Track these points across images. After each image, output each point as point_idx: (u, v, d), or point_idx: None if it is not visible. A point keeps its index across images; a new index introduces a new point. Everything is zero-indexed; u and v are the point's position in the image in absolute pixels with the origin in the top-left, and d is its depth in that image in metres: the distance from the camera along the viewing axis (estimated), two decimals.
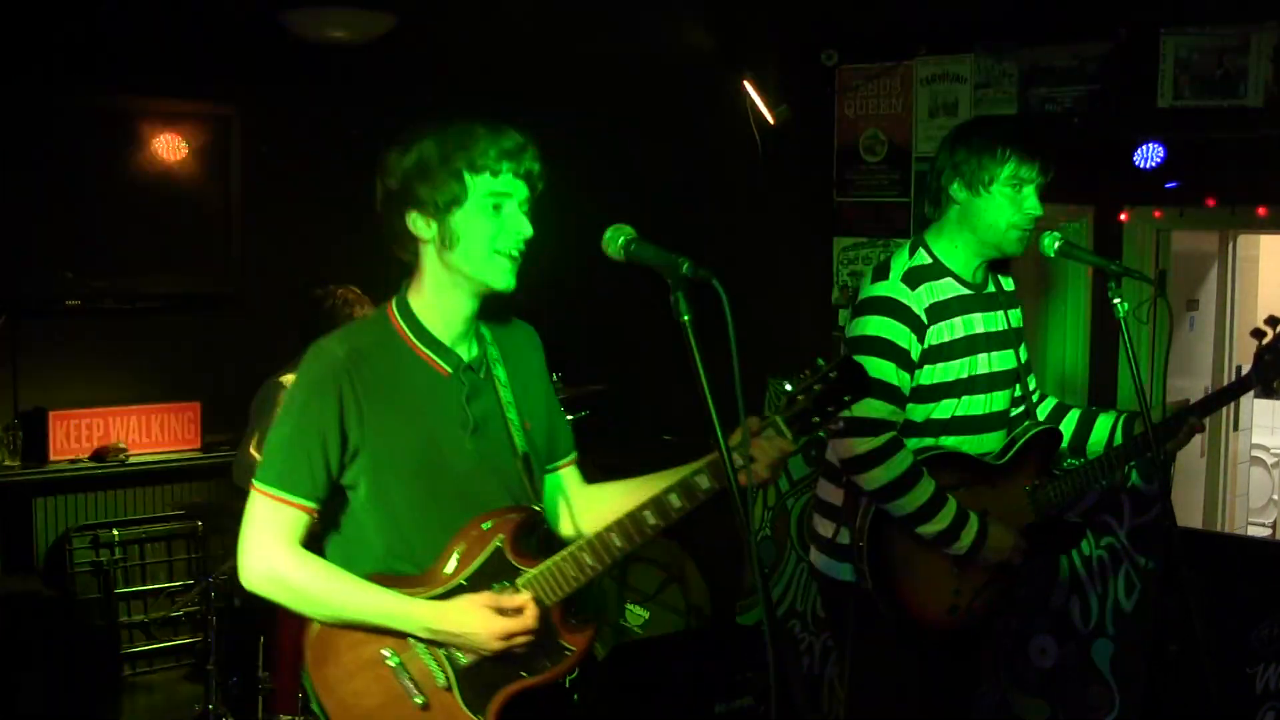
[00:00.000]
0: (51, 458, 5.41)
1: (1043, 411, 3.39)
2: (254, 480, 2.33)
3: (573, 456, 2.63)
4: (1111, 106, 4.65)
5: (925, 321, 3.08)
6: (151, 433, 5.67)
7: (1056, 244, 3.11)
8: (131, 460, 5.55)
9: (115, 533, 5.50)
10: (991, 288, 3.26)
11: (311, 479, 2.31)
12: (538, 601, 2.32)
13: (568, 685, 2.44)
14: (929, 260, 3.16)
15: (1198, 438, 3.26)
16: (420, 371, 2.37)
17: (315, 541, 2.40)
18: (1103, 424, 3.30)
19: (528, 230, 2.34)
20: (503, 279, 2.33)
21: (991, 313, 3.22)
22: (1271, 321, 3.14)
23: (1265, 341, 3.14)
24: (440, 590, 2.32)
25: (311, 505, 2.33)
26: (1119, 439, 3.25)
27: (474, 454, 2.38)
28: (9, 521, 5.35)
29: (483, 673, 2.32)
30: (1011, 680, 4.40)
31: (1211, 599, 3.74)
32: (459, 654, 2.32)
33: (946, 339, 3.11)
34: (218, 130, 5.70)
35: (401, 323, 2.39)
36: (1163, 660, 4.14)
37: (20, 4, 4.74)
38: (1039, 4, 4.72)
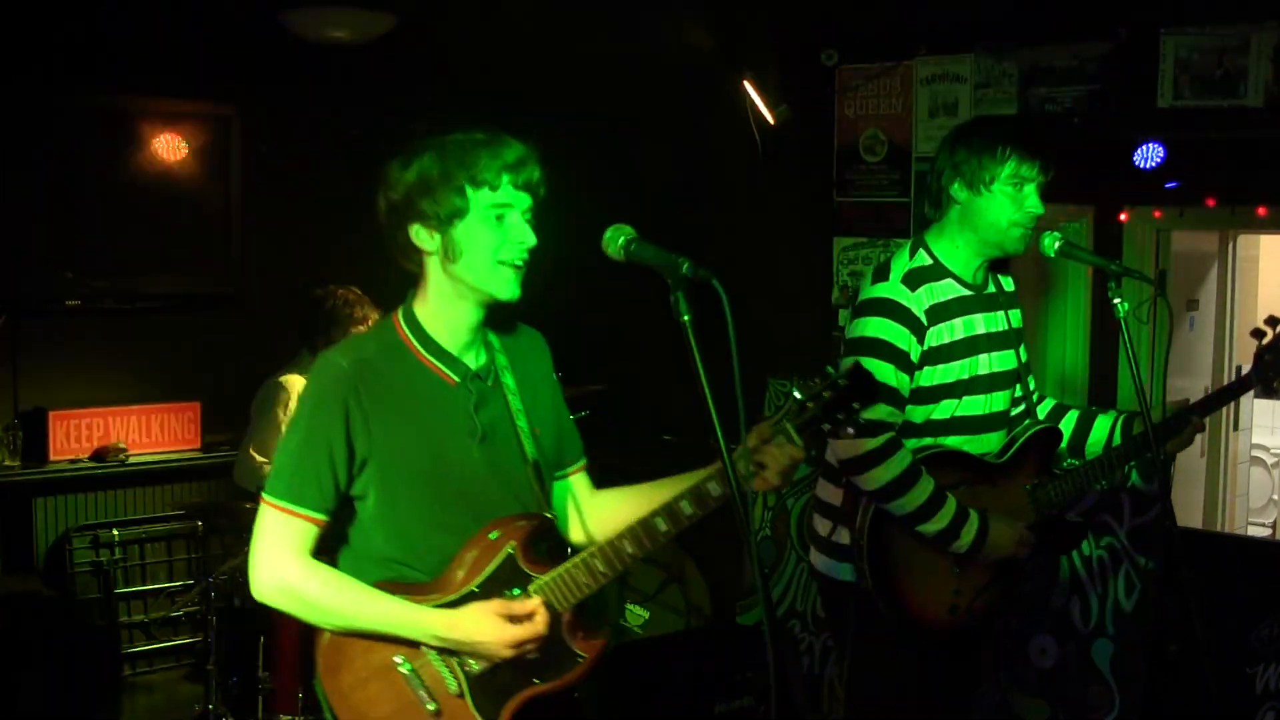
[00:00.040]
0: (51, 458, 5.41)
1: (1042, 411, 3.39)
2: (264, 493, 2.35)
3: (582, 463, 2.64)
4: (1111, 106, 4.65)
5: (925, 323, 3.08)
6: (151, 433, 5.67)
7: (1056, 244, 3.11)
8: (131, 460, 5.55)
9: (115, 533, 5.50)
10: (992, 288, 3.26)
11: (319, 491, 2.32)
12: (550, 608, 2.32)
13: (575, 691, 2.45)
14: (929, 261, 3.16)
15: (1198, 438, 3.26)
16: (427, 381, 2.37)
17: (325, 550, 2.41)
18: (1102, 424, 3.30)
19: (531, 239, 2.34)
20: (507, 289, 2.34)
21: (992, 313, 3.22)
22: (1271, 321, 3.14)
23: (1265, 341, 3.14)
24: (452, 597, 2.33)
25: (320, 516, 2.33)
26: (1118, 439, 3.25)
27: (482, 462, 2.38)
28: (9, 521, 5.35)
29: (495, 679, 2.33)
30: (1011, 680, 4.40)
31: (1211, 599, 3.74)
32: (471, 661, 2.33)
33: (947, 340, 3.11)
34: (218, 130, 5.70)
35: (408, 332, 2.39)
36: (1163, 660, 4.14)
37: (20, 4, 4.74)
38: (1039, 4, 4.72)
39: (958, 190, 3.12)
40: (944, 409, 3.14)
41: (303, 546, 2.32)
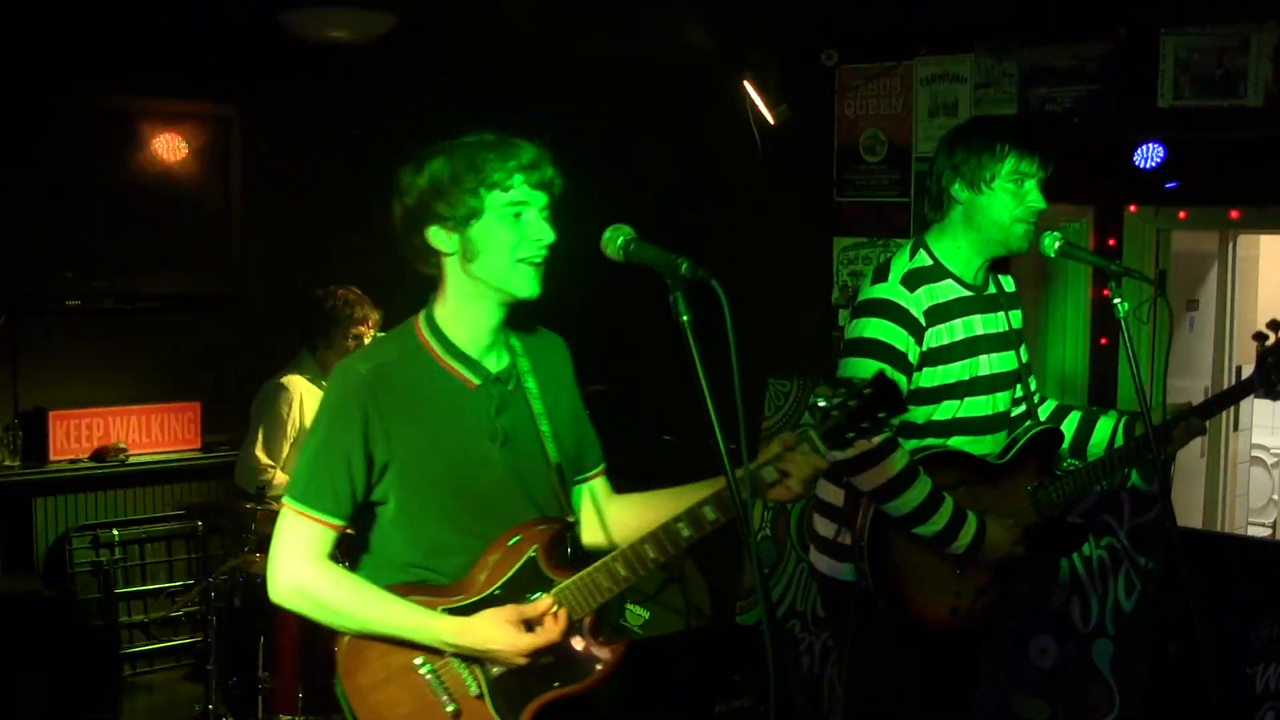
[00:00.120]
0: (51, 458, 5.40)
1: (1043, 412, 3.38)
2: (284, 497, 2.37)
3: (601, 467, 2.64)
4: (1111, 106, 4.65)
5: (923, 324, 3.08)
6: (151, 433, 5.67)
7: (1056, 244, 3.11)
8: (131, 460, 5.55)
9: (115, 533, 5.50)
10: (992, 289, 3.25)
11: (336, 498, 2.32)
12: (571, 612, 2.33)
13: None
14: (929, 262, 3.15)
15: (1198, 438, 3.26)
16: (447, 385, 2.37)
17: (346, 553, 2.41)
18: (1104, 425, 3.30)
19: (549, 236, 2.34)
20: (527, 287, 2.34)
21: (992, 314, 3.22)
22: (1274, 325, 3.14)
23: (1268, 344, 3.15)
24: (473, 599, 2.33)
25: (336, 522, 2.34)
26: (1120, 440, 3.25)
27: (502, 466, 2.38)
28: (9, 521, 5.35)
29: (516, 682, 2.33)
30: (1011, 680, 4.39)
31: (1211, 599, 3.74)
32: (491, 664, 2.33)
33: (946, 341, 3.11)
34: (218, 130, 5.70)
35: (428, 336, 2.39)
36: (1163, 660, 4.14)
37: (20, 4, 4.74)
38: (1039, 4, 4.72)
39: (959, 191, 3.11)
40: (945, 410, 3.14)
41: (319, 550, 2.33)
